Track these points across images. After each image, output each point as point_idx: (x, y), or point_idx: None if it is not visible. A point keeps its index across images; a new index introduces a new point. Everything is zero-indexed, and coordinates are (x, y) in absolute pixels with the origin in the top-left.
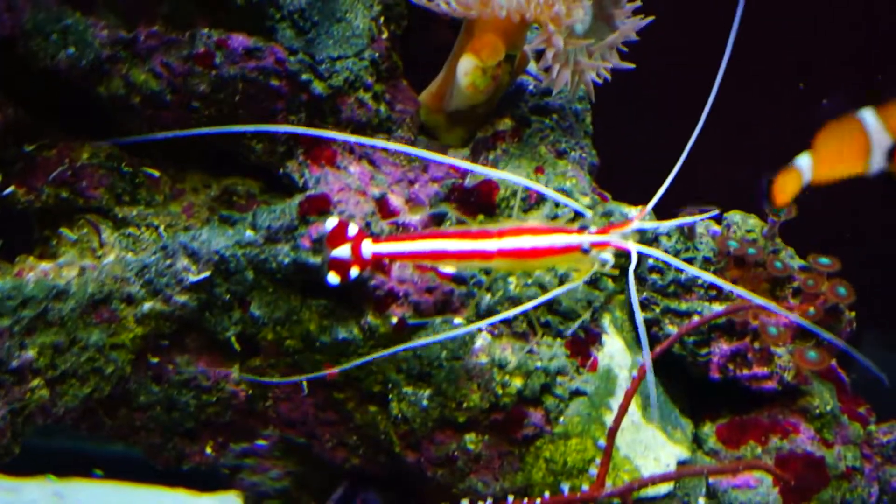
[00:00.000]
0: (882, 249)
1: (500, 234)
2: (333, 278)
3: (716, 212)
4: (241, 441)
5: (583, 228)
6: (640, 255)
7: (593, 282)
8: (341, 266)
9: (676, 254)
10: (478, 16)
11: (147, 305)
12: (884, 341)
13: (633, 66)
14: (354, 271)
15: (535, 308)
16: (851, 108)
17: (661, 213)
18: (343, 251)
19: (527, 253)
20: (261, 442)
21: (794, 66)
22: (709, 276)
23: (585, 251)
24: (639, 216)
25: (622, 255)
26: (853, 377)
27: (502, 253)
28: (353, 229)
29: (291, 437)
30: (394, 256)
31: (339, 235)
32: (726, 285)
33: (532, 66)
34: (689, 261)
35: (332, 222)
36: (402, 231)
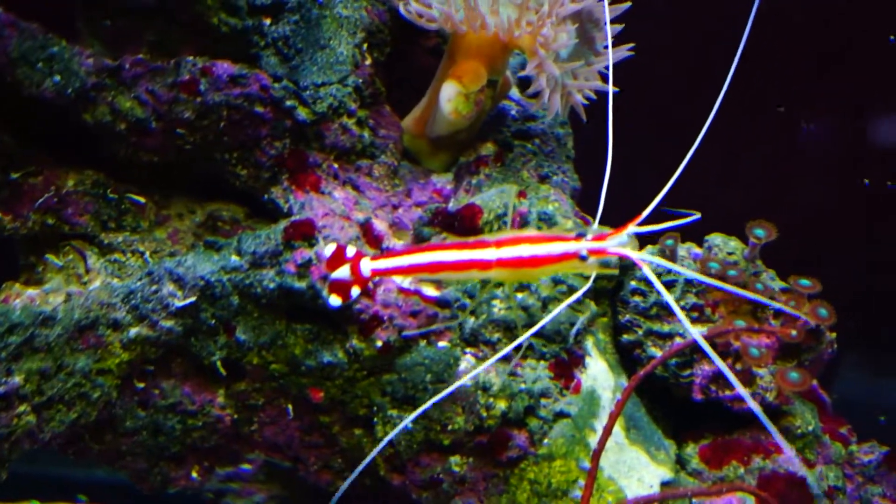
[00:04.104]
0: (869, 274)
1: (499, 243)
2: (335, 300)
3: (697, 216)
4: (226, 465)
5: (580, 236)
6: (622, 273)
7: (576, 305)
8: (342, 287)
9: (658, 276)
10: (465, 36)
11: (133, 331)
12: (864, 363)
13: (617, 88)
14: (355, 291)
15: (521, 330)
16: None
17: (642, 240)
18: (343, 272)
19: (525, 261)
20: (246, 466)
21: (774, 89)
22: (715, 283)
23: (583, 258)
24: (634, 222)
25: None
26: (834, 398)
27: (501, 262)
28: (350, 251)
29: (276, 461)
30: (392, 272)
31: (338, 258)
32: (744, 293)
33: (514, 92)
34: (672, 283)
35: (330, 248)
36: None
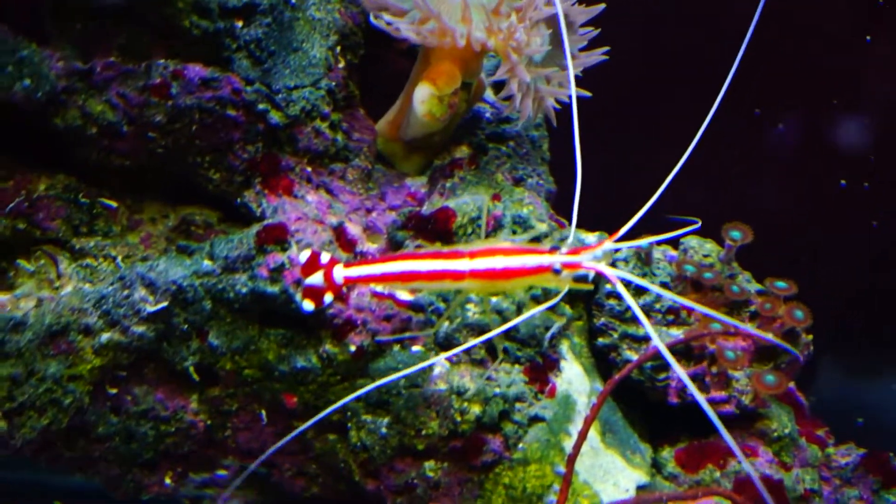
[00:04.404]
0: (844, 276)
1: (472, 254)
2: (308, 305)
3: (698, 224)
4: (200, 471)
5: (554, 249)
6: (598, 276)
7: (552, 308)
8: (315, 293)
9: (631, 284)
10: (437, 45)
11: (105, 336)
12: (842, 365)
13: (589, 94)
14: (328, 297)
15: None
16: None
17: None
18: (316, 278)
19: (499, 273)
20: (221, 472)
21: (750, 92)
22: (687, 302)
23: (557, 272)
24: (611, 238)
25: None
26: (812, 400)
27: (474, 273)
28: (325, 257)
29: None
30: (365, 280)
31: (313, 265)
32: (708, 312)
33: (489, 94)
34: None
35: (305, 254)
36: (362, 259)
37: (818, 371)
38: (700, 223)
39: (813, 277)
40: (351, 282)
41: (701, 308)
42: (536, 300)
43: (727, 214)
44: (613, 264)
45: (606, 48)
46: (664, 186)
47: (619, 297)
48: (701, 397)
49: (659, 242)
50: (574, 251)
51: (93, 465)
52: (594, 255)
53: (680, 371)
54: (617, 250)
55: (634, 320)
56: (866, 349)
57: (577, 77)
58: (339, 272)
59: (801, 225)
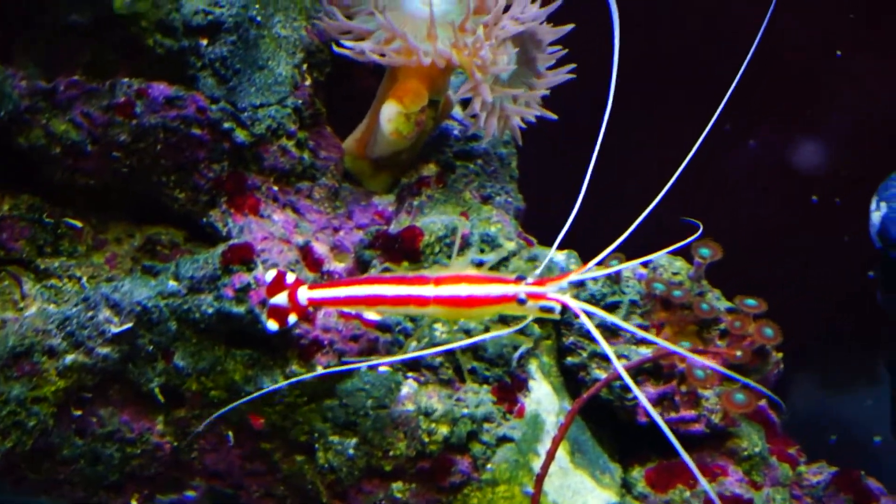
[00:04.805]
0: (816, 293)
1: (438, 281)
2: (273, 325)
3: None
4: (168, 493)
5: (520, 279)
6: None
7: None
8: (280, 313)
9: (602, 297)
10: (403, 64)
11: (69, 358)
12: (814, 383)
13: (555, 116)
14: (292, 318)
15: (462, 354)
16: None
17: (586, 258)
18: (281, 298)
19: (463, 301)
20: (190, 493)
21: (720, 108)
22: (641, 333)
23: (522, 302)
24: (577, 271)
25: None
26: (785, 418)
27: (439, 300)
28: (290, 278)
29: (219, 489)
30: (328, 302)
31: (278, 285)
32: (658, 341)
33: (457, 111)
34: (616, 304)
35: (271, 274)
36: (328, 279)
37: (791, 388)
38: (701, 227)
39: (785, 294)
40: (315, 303)
41: (664, 343)
42: (505, 320)
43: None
44: (583, 283)
45: (573, 66)
46: (645, 214)
47: (589, 314)
48: (656, 414)
49: (636, 266)
50: (540, 282)
51: (58, 488)
52: (559, 286)
53: (639, 394)
54: (582, 283)
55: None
56: (839, 365)
57: (544, 97)
58: (304, 293)
59: (772, 241)
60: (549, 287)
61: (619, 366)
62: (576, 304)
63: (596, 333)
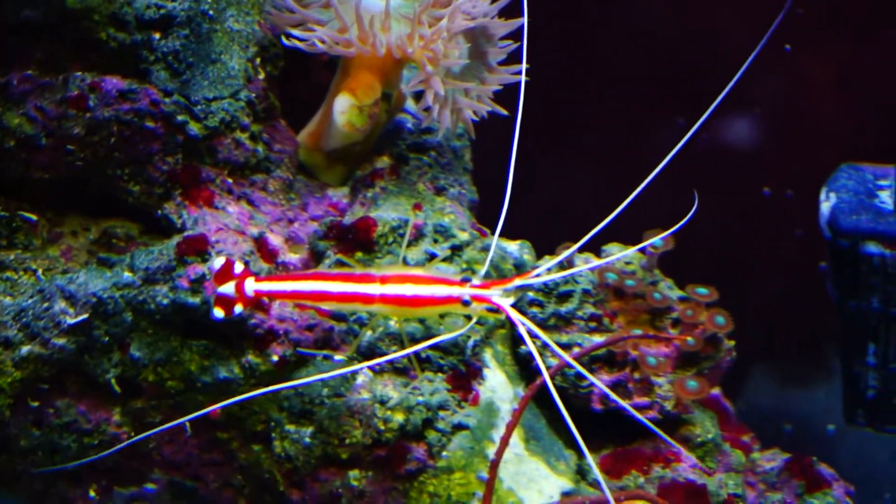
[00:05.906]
0: (770, 284)
1: (384, 279)
2: (219, 313)
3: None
4: (128, 485)
5: (465, 281)
6: (521, 288)
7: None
8: (226, 302)
9: (555, 286)
10: (357, 53)
11: (25, 349)
12: (771, 373)
13: (505, 112)
14: (238, 308)
15: (417, 343)
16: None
17: (541, 251)
18: (228, 288)
19: (408, 301)
20: (150, 485)
21: (673, 101)
22: (557, 349)
23: (466, 303)
24: (523, 277)
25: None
26: (741, 407)
27: (384, 299)
28: (238, 267)
29: (178, 479)
30: (275, 295)
31: (226, 273)
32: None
33: (410, 104)
34: (569, 293)
35: (219, 261)
36: (283, 270)
37: (748, 378)
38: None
39: (740, 285)
40: (261, 296)
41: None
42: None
43: (649, 222)
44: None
45: (526, 65)
46: (615, 215)
47: (541, 305)
48: (615, 396)
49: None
50: (485, 285)
51: (16, 480)
52: (505, 289)
53: (594, 380)
54: (529, 286)
55: (557, 328)
56: (794, 356)
57: (495, 92)
58: (251, 285)
59: (726, 233)
60: (494, 290)
61: (567, 356)
62: (516, 316)
63: (530, 343)
